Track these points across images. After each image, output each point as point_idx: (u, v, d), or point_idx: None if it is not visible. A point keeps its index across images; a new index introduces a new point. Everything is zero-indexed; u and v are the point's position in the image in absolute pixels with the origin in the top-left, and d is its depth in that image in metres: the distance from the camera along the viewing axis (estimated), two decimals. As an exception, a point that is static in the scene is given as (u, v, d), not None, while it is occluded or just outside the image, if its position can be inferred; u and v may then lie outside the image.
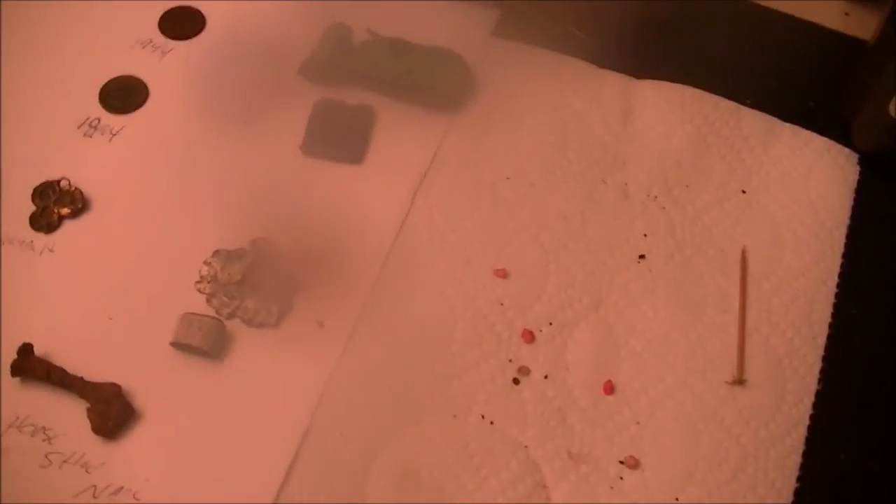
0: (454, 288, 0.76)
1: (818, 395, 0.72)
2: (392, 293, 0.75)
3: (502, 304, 0.76)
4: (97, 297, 0.75)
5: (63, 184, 0.78)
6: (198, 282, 0.76)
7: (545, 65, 0.85)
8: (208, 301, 0.75)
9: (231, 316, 0.74)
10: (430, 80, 0.80)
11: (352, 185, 0.80)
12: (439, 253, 0.77)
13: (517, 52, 0.86)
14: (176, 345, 0.73)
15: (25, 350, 0.72)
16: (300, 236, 0.77)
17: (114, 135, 0.82)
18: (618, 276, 0.77)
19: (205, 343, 0.72)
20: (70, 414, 0.71)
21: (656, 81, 0.85)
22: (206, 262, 0.76)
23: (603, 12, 0.88)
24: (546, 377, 0.73)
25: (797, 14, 0.89)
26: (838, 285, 0.77)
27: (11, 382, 0.72)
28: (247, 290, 0.75)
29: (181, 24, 0.88)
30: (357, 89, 0.84)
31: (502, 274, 0.77)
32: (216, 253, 0.76)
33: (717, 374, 0.73)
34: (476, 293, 0.76)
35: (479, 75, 0.84)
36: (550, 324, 0.76)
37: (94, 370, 0.72)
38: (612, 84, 0.84)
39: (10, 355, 0.71)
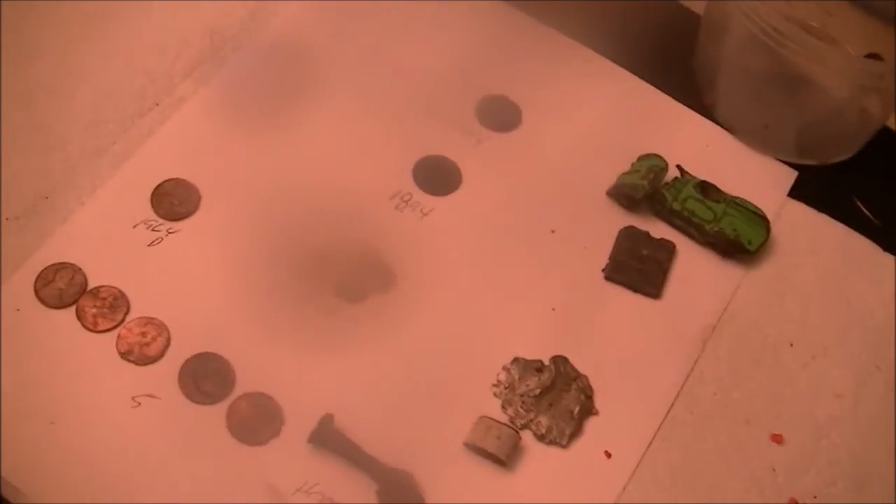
0: (732, 445, 0.78)
1: None
2: (677, 438, 0.78)
3: (774, 470, 0.78)
4: (398, 377, 0.77)
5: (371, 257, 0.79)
6: (494, 385, 0.77)
7: (834, 237, 0.87)
8: (503, 408, 0.77)
9: (523, 427, 0.76)
10: (735, 231, 0.82)
11: (648, 318, 0.82)
12: (722, 407, 0.79)
13: (809, 218, 0.88)
14: (470, 446, 0.74)
15: (326, 421, 0.74)
16: (596, 360, 0.79)
17: (425, 214, 0.83)
18: (880, 465, 0.79)
19: (500, 451, 0.74)
20: (358, 490, 0.73)
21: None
22: (505, 368, 0.78)
23: (889, 189, 0.90)
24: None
25: None
26: None
27: (307, 448, 0.73)
28: (542, 406, 0.76)
29: (498, 114, 0.89)
30: (660, 223, 0.86)
31: (779, 439, 0.79)
32: (515, 360, 0.78)
33: None
34: (752, 455, 0.78)
35: (773, 233, 0.86)
36: (815, 497, 0.77)
37: (383, 451, 0.74)
38: (894, 270, 0.86)
39: (307, 420, 0.74)
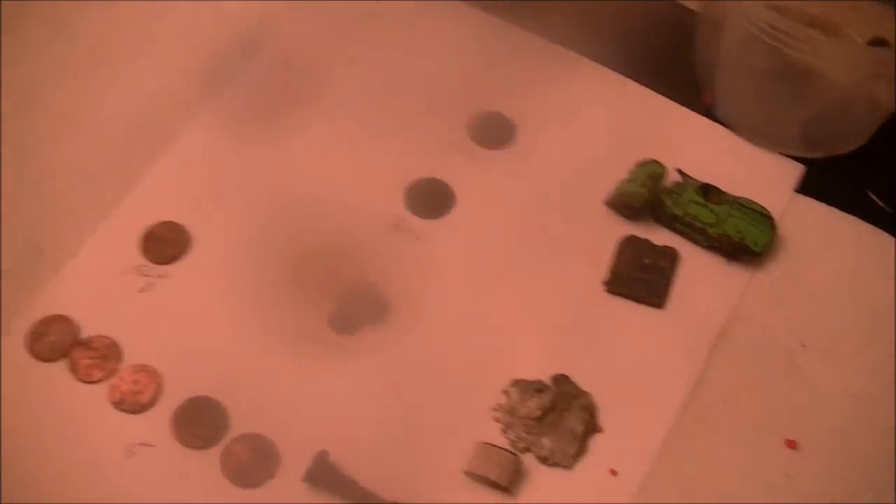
0: (743, 454, 0.76)
1: None
2: (686, 448, 0.76)
3: (789, 477, 0.75)
4: (393, 408, 0.76)
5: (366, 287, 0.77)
6: (494, 409, 0.76)
7: (845, 231, 0.85)
8: (503, 432, 0.75)
9: (525, 451, 0.75)
10: (739, 233, 0.80)
11: (652, 328, 0.80)
12: (732, 415, 0.77)
13: (818, 213, 0.86)
14: (471, 475, 0.72)
15: (321, 458, 0.72)
16: (599, 376, 0.77)
17: (418, 239, 0.82)
18: (900, 474, 0.74)
19: (501, 479, 0.72)
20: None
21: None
22: (504, 391, 0.76)
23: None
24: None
25: None
26: None
27: (303, 487, 0.73)
28: (545, 428, 0.75)
29: (491, 130, 0.88)
30: (661, 230, 0.84)
31: (792, 445, 0.76)
32: (515, 383, 0.76)
33: None
34: (765, 462, 0.76)
35: (780, 231, 0.84)
36: (833, 504, 0.72)
37: (382, 485, 0.73)
38: (914, 263, 0.82)
39: (303, 458, 0.74)
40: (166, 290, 0.80)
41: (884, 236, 0.85)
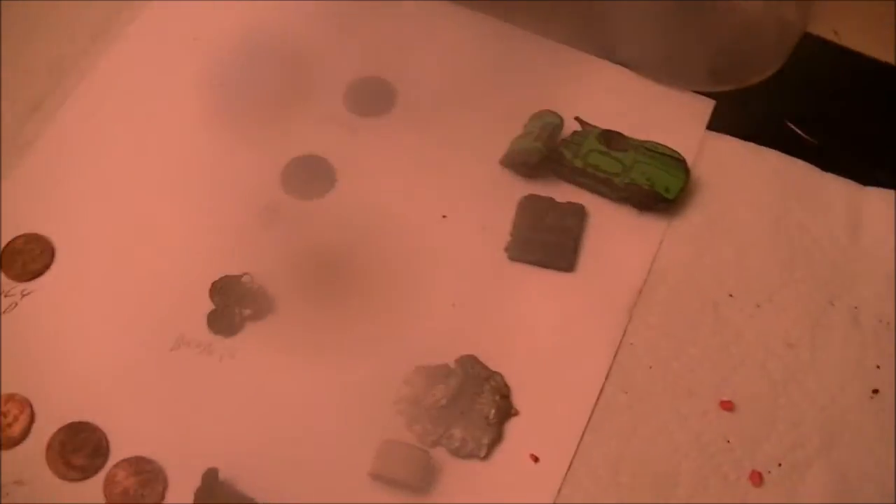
0: (677, 423, 0.70)
1: None
2: (612, 426, 0.69)
3: (729, 442, 0.69)
4: (285, 414, 0.70)
5: (245, 280, 0.69)
6: (397, 402, 0.69)
7: (765, 166, 0.78)
8: (409, 426, 0.68)
9: (435, 444, 0.68)
10: (649, 180, 0.72)
11: (563, 295, 0.73)
12: (661, 381, 0.71)
13: (735, 150, 0.79)
14: (377, 477, 0.66)
15: (210, 476, 0.66)
16: (509, 354, 0.71)
17: (297, 222, 0.75)
18: (850, 413, 0.70)
19: (410, 478, 0.66)
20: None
21: (886, 191, 0.78)
22: (406, 382, 0.69)
23: (822, 103, 0.81)
24: (776, 525, 0.64)
25: None
26: None
27: (194, 511, 0.63)
28: (453, 416, 0.69)
29: (370, 98, 0.81)
30: (565, 185, 0.77)
31: (729, 407, 0.70)
32: (417, 370, 0.70)
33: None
34: (701, 429, 0.70)
35: (695, 174, 0.77)
36: (780, 465, 0.69)
37: (282, 497, 0.66)
38: (838, 192, 0.78)
39: (193, 478, 0.66)
40: (31, 310, 0.73)
41: (807, 167, 0.79)
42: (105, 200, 0.77)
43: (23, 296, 0.74)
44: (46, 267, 0.75)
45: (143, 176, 0.78)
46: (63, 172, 0.78)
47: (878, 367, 0.72)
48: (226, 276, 0.73)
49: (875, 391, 0.71)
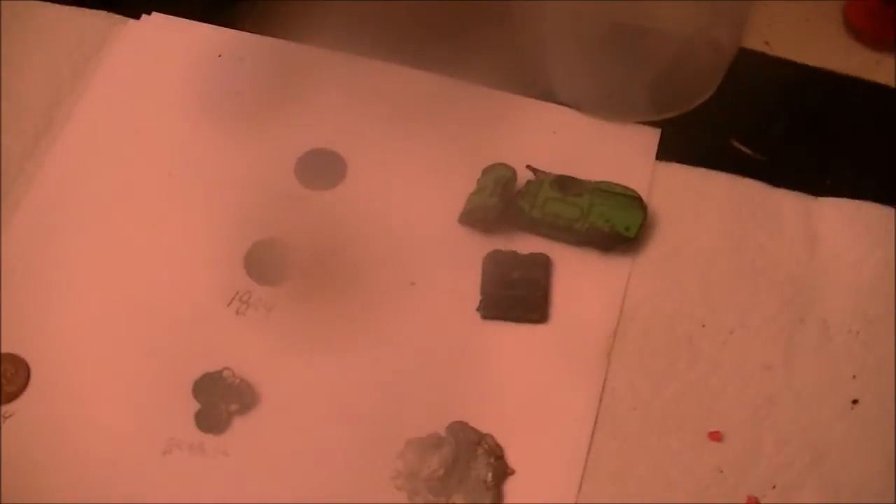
0: (669, 460, 0.71)
1: None
2: (606, 472, 0.71)
3: (722, 472, 0.71)
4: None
5: (226, 374, 0.69)
6: (395, 478, 0.70)
7: (717, 190, 0.79)
8: (410, 499, 0.69)
9: (438, 513, 0.66)
10: (608, 222, 0.73)
11: (540, 348, 0.74)
12: (647, 421, 0.72)
13: (686, 177, 0.80)
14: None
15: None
16: (496, 413, 0.72)
17: (269, 310, 0.73)
18: (833, 427, 0.72)
19: (423, 551, 0.64)
20: None
21: (837, 200, 0.79)
22: (399, 456, 0.70)
23: (763, 117, 0.82)
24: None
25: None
26: None
27: None
28: (453, 485, 0.69)
29: (320, 170, 0.81)
30: (526, 235, 0.78)
31: (717, 437, 0.72)
32: (409, 443, 0.70)
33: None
34: (692, 463, 0.71)
35: (651, 207, 0.78)
36: (774, 487, 0.70)
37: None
38: (791, 207, 0.79)
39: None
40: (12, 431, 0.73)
41: (757, 186, 0.80)
42: (76, 313, 0.77)
43: (4, 418, 0.72)
44: (23, 388, 0.74)
45: (108, 284, 0.78)
46: (32, 289, 0.78)
47: (853, 377, 0.73)
48: (206, 374, 0.72)
49: (854, 401, 0.72)
